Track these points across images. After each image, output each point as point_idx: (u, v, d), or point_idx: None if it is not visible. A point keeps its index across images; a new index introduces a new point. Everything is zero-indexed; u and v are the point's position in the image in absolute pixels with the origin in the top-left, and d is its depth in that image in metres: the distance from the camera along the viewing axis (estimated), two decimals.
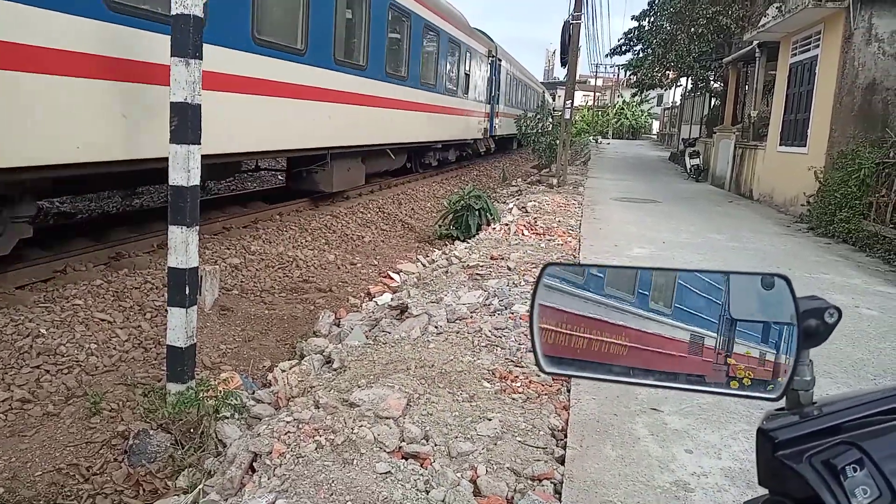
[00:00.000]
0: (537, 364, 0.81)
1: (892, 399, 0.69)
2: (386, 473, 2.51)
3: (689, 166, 18.23)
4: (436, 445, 2.77)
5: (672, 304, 0.78)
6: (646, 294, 0.80)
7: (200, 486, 2.82)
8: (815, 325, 0.71)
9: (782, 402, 0.73)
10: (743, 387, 0.75)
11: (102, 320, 4.91)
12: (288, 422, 2.96)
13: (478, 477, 2.56)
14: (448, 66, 16.12)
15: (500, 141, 24.93)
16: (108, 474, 3.17)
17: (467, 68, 18.13)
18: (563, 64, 15.12)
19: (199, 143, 3.84)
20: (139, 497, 3.06)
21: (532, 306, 0.81)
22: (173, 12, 3.63)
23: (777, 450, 0.67)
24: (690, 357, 0.77)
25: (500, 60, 23.10)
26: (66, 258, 5.98)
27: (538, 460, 2.72)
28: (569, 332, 0.81)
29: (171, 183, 3.78)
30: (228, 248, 7.29)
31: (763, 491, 0.70)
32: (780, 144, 12.25)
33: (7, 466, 3.12)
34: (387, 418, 2.92)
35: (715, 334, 0.76)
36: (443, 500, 2.37)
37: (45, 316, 4.70)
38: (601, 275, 0.83)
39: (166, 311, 3.89)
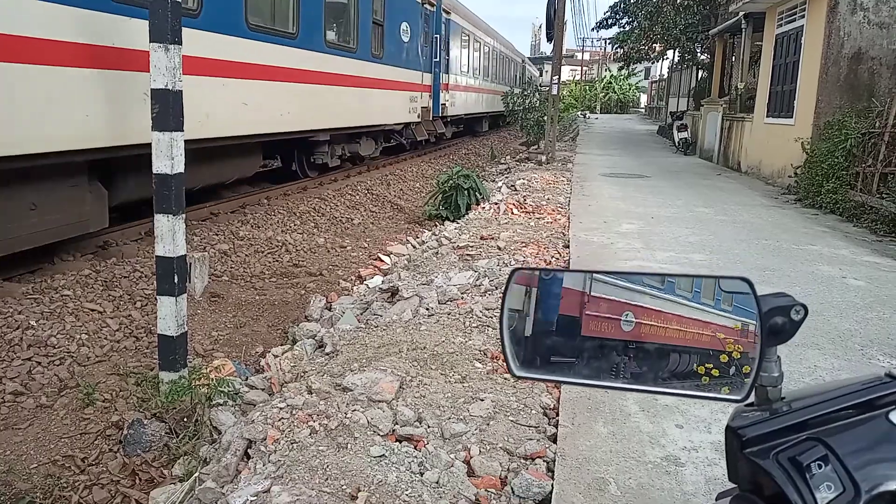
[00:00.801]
0: (508, 368, 0.82)
1: (857, 394, 0.70)
2: (380, 457, 2.53)
3: (676, 140, 18.24)
4: (429, 427, 2.80)
5: (637, 307, 0.79)
6: (613, 296, 0.81)
7: (196, 474, 2.84)
8: (781, 322, 0.72)
9: (752, 398, 0.74)
10: (708, 388, 0.76)
11: (92, 310, 4.90)
12: (281, 408, 2.97)
13: (471, 457, 2.59)
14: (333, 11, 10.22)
15: (462, 122, 21.34)
16: (103, 465, 3.18)
17: (378, 16, 11.72)
18: (549, 39, 15.02)
19: (182, 130, 3.81)
20: (135, 486, 3.08)
21: (501, 311, 0.82)
22: None
23: (745, 447, 0.68)
24: (656, 359, 0.78)
25: (447, 14, 17.10)
26: (52, 247, 5.94)
27: (530, 439, 2.75)
28: (538, 335, 0.82)
29: (155, 171, 3.76)
30: (217, 234, 7.26)
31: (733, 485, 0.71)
32: (767, 116, 12.26)
33: (2, 460, 3.12)
34: (380, 402, 2.94)
35: (680, 336, 0.77)
36: (437, 482, 2.40)
37: (35, 307, 4.68)
38: (567, 279, 0.83)
39: (156, 299, 3.89)
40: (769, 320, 0.71)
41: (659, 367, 0.78)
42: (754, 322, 0.72)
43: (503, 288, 0.83)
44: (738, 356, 0.75)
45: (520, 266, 0.99)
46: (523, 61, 36.49)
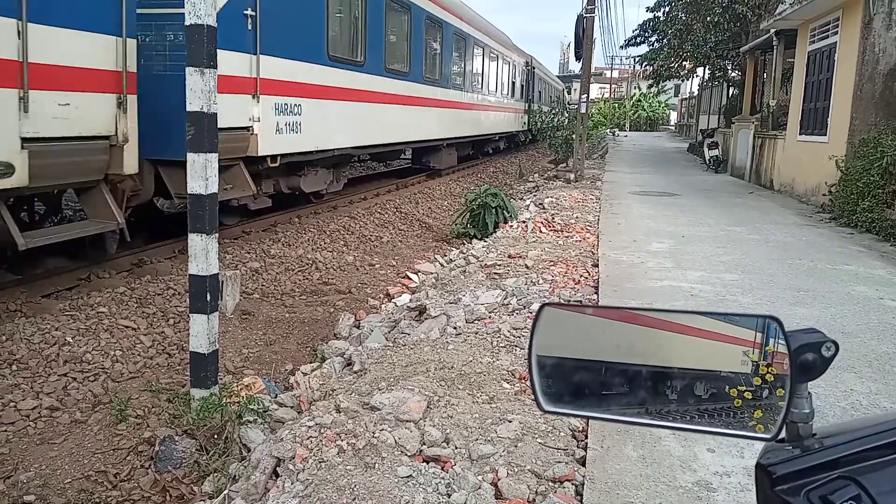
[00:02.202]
0: (536, 402, 0.82)
1: (892, 432, 0.69)
2: (407, 477, 2.52)
3: (707, 157, 18.06)
4: (456, 448, 2.79)
5: (669, 346, 0.79)
6: (641, 335, 0.81)
7: (226, 492, 2.86)
8: (811, 358, 0.71)
9: (783, 434, 0.73)
10: (739, 426, 0.76)
11: (126, 327, 5.00)
12: (310, 426, 2.99)
13: (499, 479, 2.57)
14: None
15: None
16: (135, 480, 3.23)
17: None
18: (578, 58, 15.05)
19: (216, 152, 3.88)
20: (166, 503, 3.12)
21: (530, 345, 0.82)
22: (187, 23, 3.67)
23: (775, 485, 0.67)
24: (685, 396, 0.78)
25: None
26: (89, 266, 6.08)
27: (559, 462, 2.73)
28: (567, 370, 0.82)
29: (189, 191, 3.83)
30: (248, 252, 7.37)
31: None
32: (800, 133, 12.09)
33: (38, 474, 3.19)
34: (407, 421, 2.94)
35: (710, 374, 0.77)
36: None
37: (71, 324, 4.79)
38: (598, 315, 0.84)
39: (188, 317, 3.95)
40: (799, 357, 0.71)
41: (689, 402, 0.77)
42: (775, 364, 0.72)
43: (532, 323, 0.84)
44: (768, 392, 0.74)
45: (549, 301, 1.00)
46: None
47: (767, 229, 8.56)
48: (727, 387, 0.77)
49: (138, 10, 5.54)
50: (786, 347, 0.72)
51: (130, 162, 5.42)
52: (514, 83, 26.10)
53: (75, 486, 3.13)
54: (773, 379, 0.73)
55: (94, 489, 3.13)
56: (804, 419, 0.72)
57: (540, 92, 31.41)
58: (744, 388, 0.76)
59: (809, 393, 0.74)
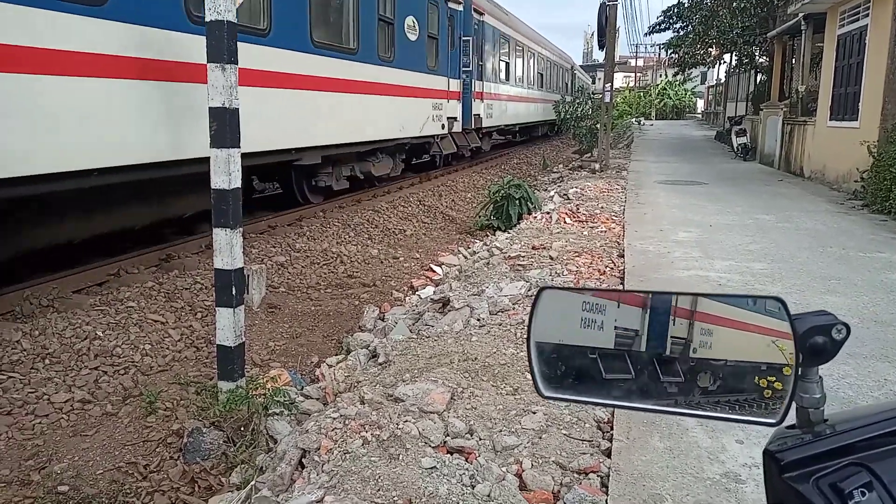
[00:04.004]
0: (535, 388, 0.80)
1: None
2: (431, 468, 2.53)
3: (735, 145, 17.77)
4: (480, 439, 2.79)
5: (670, 327, 0.77)
6: (644, 317, 0.79)
7: (253, 483, 2.90)
8: (822, 342, 0.69)
9: (793, 420, 0.71)
10: (743, 411, 0.74)
11: (155, 321, 5.07)
12: (335, 418, 3.01)
13: (523, 471, 2.57)
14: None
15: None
16: (164, 472, 3.28)
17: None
18: (601, 46, 14.89)
19: (239, 147, 3.91)
20: (195, 493, 3.16)
21: (529, 330, 0.81)
22: (207, 19, 3.70)
23: (783, 471, 0.66)
24: (690, 380, 0.76)
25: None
26: (118, 261, 6.18)
27: (584, 453, 2.71)
28: (567, 355, 0.80)
29: (213, 186, 3.87)
30: (274, 247, 7.42)
31: None
32: (830, 119, 11.84)
33: (71, 465, 3.25)
34: (431, 413, 2.95)
35: (714, 357, 0.75)
36: (488, 495, 2.38)
37: (101, 318, 4.86)
38: (595, 297, 0.82)
39: (215, 311, 3.99)
40: (809, 340, 0.69)
41: (692, 385, 0.75)
42: (781, 347, 0.70)
43: (531, 306, 0.82)
44: (775, 376, 0.72)
45: (548, 284, 0.99)
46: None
47: (797, 217, 8.40)
48: (732, 370, 0.74)
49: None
50: (790, 329, 0.69)
51: None
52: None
53: (107, 476, 3.19)
54: (779, 362, 0.71)
55: (124, 480, 3.18)
56: (815, 404, 0.70)
57: (578, 87, 33.53)
58: (749, 371, 0.73)
59: (820, 377, 0.71)
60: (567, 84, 32.01)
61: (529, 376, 3.33)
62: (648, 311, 0.79)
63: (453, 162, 16.19)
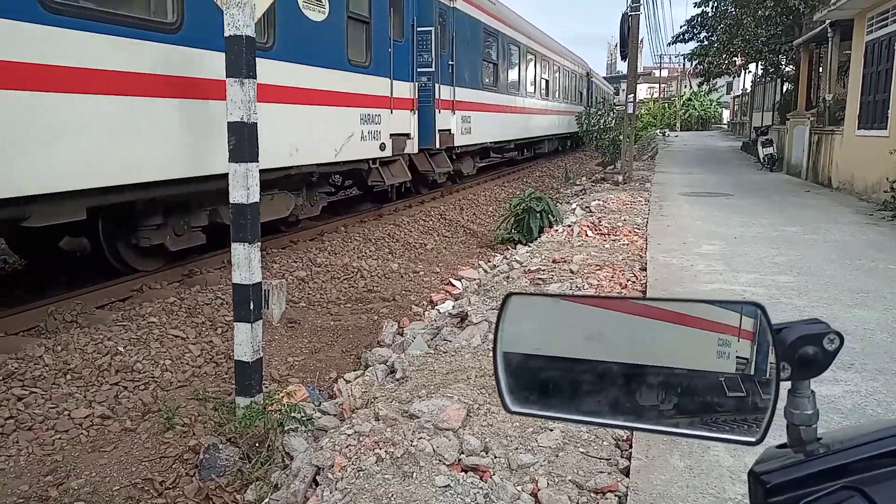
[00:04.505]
0: (502, 403, 0.75)
1: None
2: (445, 487, 2.49)
3: (762, 156, 17.53)
4: (496, 458, 2.74)
5: (645, 337, 0.72)
6: (616, 326, 0.74)
7: (267, 500, 2.88)
8: (812, 353, 0.64)
9: (783, 439, 0.66)
10: (722, 428, 0.68)
11: (176, 336, 5.10)
12: (349, 434, 2.98)
13: (539, 490, 2.51)
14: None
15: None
16: (180, 488, 3.28)
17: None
18: (624, 57, 14.82)
19: (257, 161, 3.93)
20: None
21: (495, 341, 0.75)
22: (226, 34, 3.73)
23: (769, 495, 0.60)
24: (665, 395, 0.70)
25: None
26: (142, 277, 6.24)
27: (602, 472, 2.65)
28: (536, 367, 0.75)
29: (231, 201, 3.89)
30: (295, 262, 7.46)
31: None
32: (859, 128, 11.62)
33: (88, 481, 3.27)
34: (446, 430, 2.91)
35: (691, 370, 0.70)
36: None
37: (123, 334, 4.91)
38: (567, 306, 0.78)
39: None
40: (798, 350, 0.64)
41: (669, 400, 0.70)
42: (764, 359, 0.65)
43: (497, 315, 0.76)
44: (730, 424, 0.67)
45: (515, 291, 0.95)
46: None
47: (825, 228, 8.23)
48: (712, 384, 0.69)
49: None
50: (770, 338, 0.64)
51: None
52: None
53: (123, 493, 3.20)
54: (762, 375, 0.66)
55: (140, 497, 3.19)
56: (806, 421, 0.64)
57: (596, 97, 31.71)
58: (730, 385, 0.68)
59: (812, 392, 0.66)
60: (581, 93, 28.92)
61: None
62: (623, 319, 0.74)
63: (441, 186, 13.41)
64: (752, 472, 0.63)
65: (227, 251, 6.91)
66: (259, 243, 4.02)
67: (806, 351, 0.64)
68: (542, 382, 0.75)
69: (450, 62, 12.25)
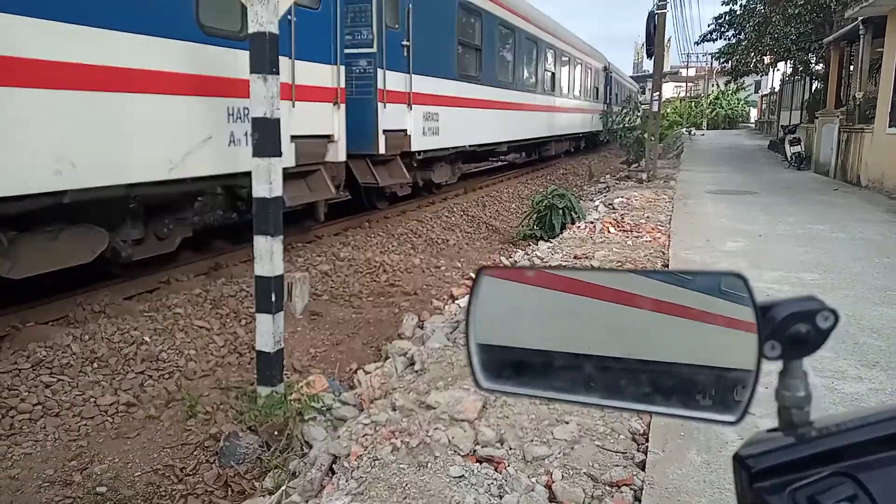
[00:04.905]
0: (473, 380, 0.73)
1: None
2: (459, 477, 2.50)
3: (789, 154, 17.26)
4: (510, 449, 2.75)
5: (620, 311, 0.71)
6: (590, 300, 0.72)
7: (283, 488, 2.92)
8: (805, 331, 0.60)
9: (776, 422, 0.62)
10: (701, 407, 0.66)
11: (201, 327, 5.18)
12: (366, 424, 3.02)
13: (553, 482, 2.52)
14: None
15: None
16: (200, 475, 3.34)
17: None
18: (649, 55, 14.70)
19: (280, 156, 3.98)
20: (228, 497, 3.21)
21: (468, 316, 0.73)
22: (250, 31, 3.78)
23: (754, 480, 0.57)
24: (640, 371, 0.68)
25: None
26: (169, 269, 6.34)
27: (617, 465, 2.65)
28: (508, 342, 0.74)
29: (254, 195, 3.94)
30: (319, 256, 7.52)
31: None
32: (890, 126, 11.40)
33: (111, 467, 3.34)
34: (462, 421, 2.93)
35: (670, 344, 0.68)
36: None
37: (149, 324, 5.00)
38: (543, 279, 0.77)
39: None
40: (790, 328, 0.60)
41: (646, 378, 0.68)
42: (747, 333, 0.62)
43: (469, 290, 0.75)
44: (709, 402, 0.65)
45: (488, 264, 0.93)
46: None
47: (853, 227, 8.10)
48: (692, 359, 0.67)
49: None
50: (753, 311, 0.62)
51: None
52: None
53: (144, 479, 3.27)
54: (746, 352, 0.62)
55: (161, 482, 3.25)
56: (798, 404, 0.61)
57: (616, 94, 30.34)
58: (713, 361, 0.66)
59: (805, 372, 0.63)
60: (597, 88, 25.91)
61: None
62: (599, 292, 0.72)
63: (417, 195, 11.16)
64: (737, 456, 0.59)
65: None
66: (281, 236, 4.07)
67: (798, 329, 0.60)
68: (516, 359, 0.73)
69: (404, 42, 9.23)
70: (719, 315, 0.67)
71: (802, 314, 0.61)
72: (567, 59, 20.30)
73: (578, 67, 22.32)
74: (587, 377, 0.70)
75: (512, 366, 0.74)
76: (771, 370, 0.67)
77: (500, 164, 17.00)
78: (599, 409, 1.38)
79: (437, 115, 10.45)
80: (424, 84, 9.88)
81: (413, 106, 9.55)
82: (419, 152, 10.00)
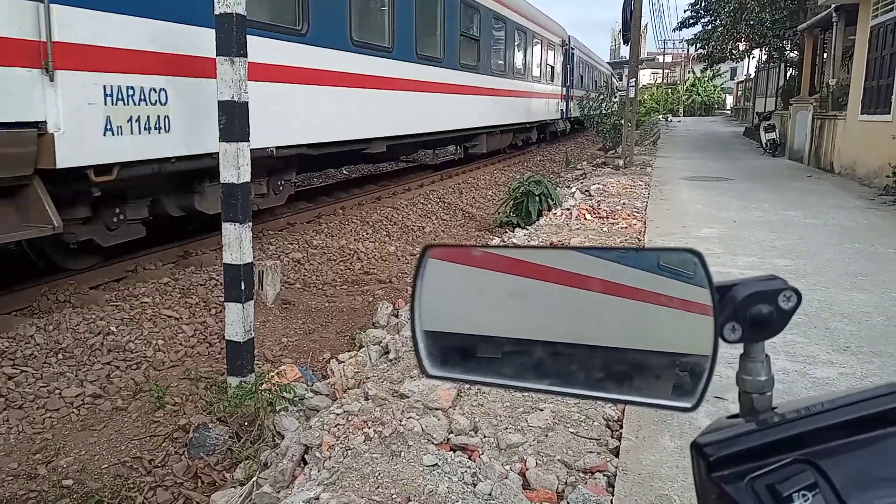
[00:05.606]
0: (420, 366, 0.69)
1: (864, 405, 0.55)
2: (433, 466, 2.46)
3: (764, 141, 17.42)
4: (484, 437, 2.72)
5: (571, 294, 0.66)
6: (540, 283, 0.67)
7: (254, 479, 2.86)
8: (767, 312, 0.57)
9: (737, 409, 0.59)
10: (655, 394, 0.62)
11: (169, 317, 5.07)
12: (338, 414, 2.97)
13: (527, 469, 2.49)
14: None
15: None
16: (169, 466, 3.26)
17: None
18: (626, 41, 14.69)
19: (248, 141, 3.89)
20: (198, 489, 3.14)
21: (413, 298, 0.69)
22: (217, 11, 3.67)
23: (712, 469, 0.54)
24: (592, 356, 0.64)
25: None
26: (136, 258, 6.21)
27: (591, 452, 2.63)
28: (455, 329, 0.69)
29: (222, 181, 3.85)
30: (291, 244, 7.42)
31: None
32: (862, 113, 11.53)
33: (77, 459, 3.25)
34: (436, 409, 2.89)
35: (623, 327, 0.64)
36: (490, 494, 2.31)
37: (116, 314, 4.88)
38: (489, 259, 0.72)
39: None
40: (751, 308, 0.57)
41: (600, 363, 0.64)
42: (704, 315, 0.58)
43: (414, 270, 0.70)
44: (664, 388, 0.61)
45: (433, 243, 0.88)
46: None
47: (825, 213, 8.18)
48: (646, 344, 0.64)
49: None
50: (708, 291, 0.58)
51: None
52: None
53: (111, 471, 3.18)
54: (704, 334, 0.59)
55: (128, 475, 3.17)
56: (759, 388, 0.59)
57: (581, 76, 26.31)
58: (668, 345, 0.62)
59: (767, 356, 0.60)
60: (552, 68, 20.97)
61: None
62: (549, 274, 0.67)
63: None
64: (695, 444, 0.56)
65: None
66: (250, 223, 3.98)
67: (759, 309, 0.58)
68: (463, 344, 0.69)
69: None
70: (674, 297, 0.63)
71: (764, 294, 0.58)
72: (500, 24, 14.94)
73: (524, 39, 17.03)
74: (537, 363, 0.66)
75: (460, 351, 0.69)
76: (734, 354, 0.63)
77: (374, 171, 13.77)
78: (551, 395, 1.33)
79: (159, 91, 5.08)
80: (110, 25, 4.62)
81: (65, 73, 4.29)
82: (95, 168, 4.65)
